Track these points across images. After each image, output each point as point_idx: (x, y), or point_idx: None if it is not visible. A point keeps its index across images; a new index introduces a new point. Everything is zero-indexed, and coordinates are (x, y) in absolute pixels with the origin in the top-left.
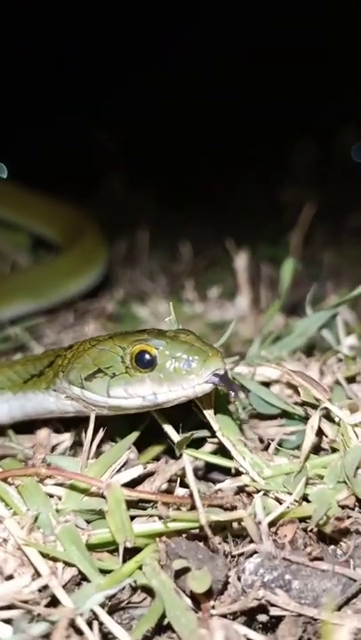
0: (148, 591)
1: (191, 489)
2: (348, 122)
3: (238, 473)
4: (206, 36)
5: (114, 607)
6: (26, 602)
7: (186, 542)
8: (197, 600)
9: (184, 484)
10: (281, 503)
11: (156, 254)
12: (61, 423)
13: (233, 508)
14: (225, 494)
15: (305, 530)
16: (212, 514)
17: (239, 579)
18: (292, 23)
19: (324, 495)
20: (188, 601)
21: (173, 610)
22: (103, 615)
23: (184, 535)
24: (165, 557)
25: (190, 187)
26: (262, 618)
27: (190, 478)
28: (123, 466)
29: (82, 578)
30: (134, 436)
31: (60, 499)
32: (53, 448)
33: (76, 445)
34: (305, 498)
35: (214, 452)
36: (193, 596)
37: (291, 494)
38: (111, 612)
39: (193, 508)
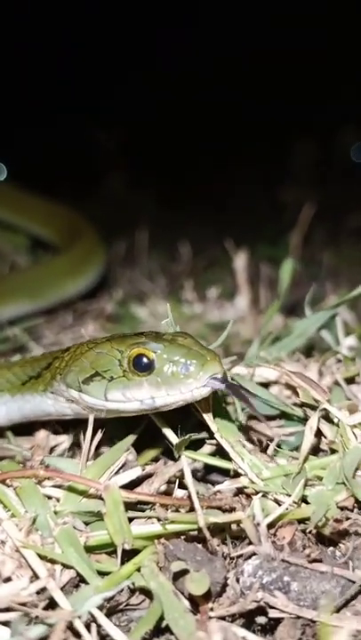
0: (147, 593)
1: (190, 491)
2: (347, 122)
3: (237, 474)
4: (206, 36)
5: (112, 609)
6: (24, 604)
7: (184, 544)
8: (196, 602)
9: (183, 486)
10: (280, 505)
11: (155, 254)
12: (60, 425)
13: (232, 510)
14: (224, 496)
15: (304, 531)
16: (210, 515)
17: (238, 580)
18: (292, 23)
19: (323, 496)
20: (187, 603)
21: (172, 612)
22: (101, 617)
23: (183, 537)
24: (164, 559)
25: (190, 187)
26: (261, 620)
27: (189, 480)
28: (121, 467)
29: (80, 580)
30: (133, 437)
31: (58, 500)
32: (52, 449)
33: (75, 447)
34: (304, 499)
35: (213, 454)
36: (191, 598)
37: (290, 496)
38: (109, 615)
39: (191, 509)
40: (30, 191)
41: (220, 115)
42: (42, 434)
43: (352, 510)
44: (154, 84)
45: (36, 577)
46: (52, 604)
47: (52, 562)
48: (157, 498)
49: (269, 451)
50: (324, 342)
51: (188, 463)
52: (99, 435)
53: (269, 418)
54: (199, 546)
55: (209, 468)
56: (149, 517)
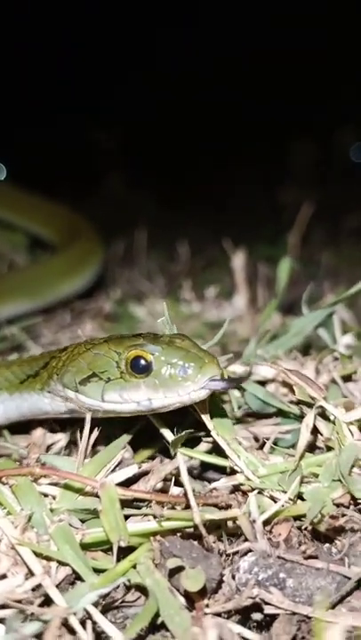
0: (142, 590)
1: (186, 488)
2: (347, 122)
3: (233, 472)
4: (206, 36)
5: (107, 606)
6: (19, 601)
7: (180, 541)
8: (191, 599)
9: (179, 484)
10: (276, 502)
11: (154, 254)
12: (56, 423)
13: (228, 507)
14: (220, 493)
15: (300, 528)
16: (206, 513)
17: (233, 577)
18: (292, 23)
19: (319, 493)
20: (183, 600)
21: (167, 609)
22: (97, 614)
23: (178, 534)
24: (160, 556)
25: (190, 187)
26: (257, 616)
27: (185, 477)
28: (117, 465)
29: (76, 577)
30: (129, 435)
31: (54, 498)
32: (48, 448)
33: (71, 445)
34: (300, 496)
35: (209, 452)
36: (187, 595)
37: (285, 493)
38: (105, 612)
39: (187, 506)
40: (29, 191)
41: (220, 115)
42: (38, 432)
43: (348, 507)
44: (154, 84)
45: (31, 574)
46: (47, 602)
47: (48, 559)
48: (153, 495)
49: (265, 448)
50: (322, 340)
51: (184, 461)
52: (95, 433)
53: (266, 415)
54: (195, 543)
55: (205, 466)
56: (145, 515)
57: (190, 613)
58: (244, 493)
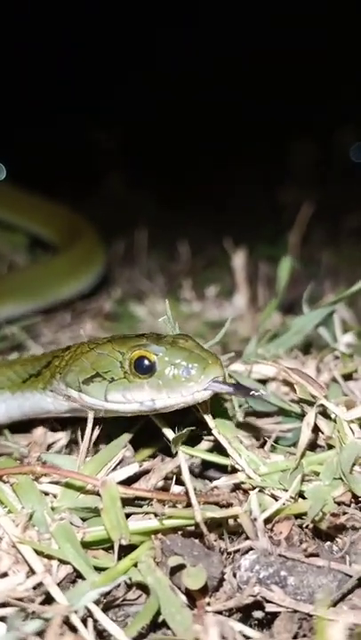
0: (144, 588)
1: (187, 486)
2: (347, 122)
3: (234, 470)
4: (206, 36)
5: (109, 604)
6: (20, 599)
7: (181, 539)
8: (193, 597)
9: (180, 482)
10: (277, 500)
11: (154, 254)
12: (57, 422)
13: (229, 505)
14: (221, 491)
15: (301, 526)
16: (207, 511)
17: (235, 575)
18: (292, 23)
19: (320, 492)
20: (184, 598)
21: (168, 607)
22: (98, 612)
23: (180, 532)
24: (161, 554)
25: (190, 187)
26: (258, 614)
27: (186, 476)
28: (118, 464)
29: (77, 575)
30: (130, 434)
31: (55, 497)
32: (49, 446)
33: (72, 444)
34: (301, 494)
35: (210, 450)
36: (188, 593)
37: (287, 491)
38: (106, 610)
39: (189, 505)
40: (30, 191)
41: (220, 115)
42: (39, 431)
43: (349, 505)
44: (154, 84)
45: (32, 572)
46: (48, 600)
47: (49, 557)
48: (155, 494)
49: (266, 447)
50: (322, 339)
51: (185, 459)
52: (96, 431)
53: (267, 414)
54: (196, 541)
55: (206, 465)
56: (146, 513)
57: (191, 611)
58: (246, 492)
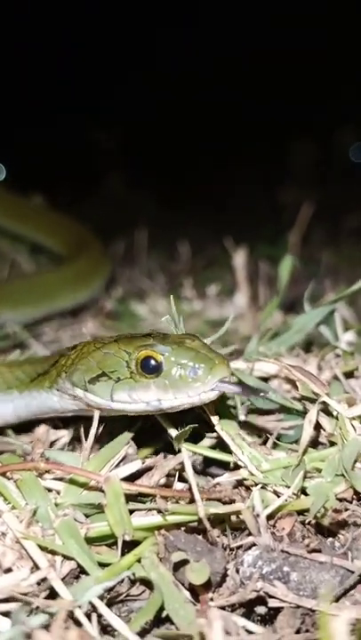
0: (147, 584)
1: (190, 482)
2: (347, 122)
3: (237, 467)
4: (206, 35)
5: (112, 600)
6: (25, 594)
7: (185, 535)
8: (196, 592)
9: (183, 479)
10: (279, 496)
11: (155, 254)
12: (60, 420)
13: (231, 502)
14: (223, 488)
15: (303, 522)
16: (210, 507)
17: (238, 571)
18: (292, 23)
19: (322, 488)
20: (187, 593)
21: (172, 602)
22: (102, 607)
23: (183, 528)
24: (164, 550)
25: (190, 187)
26: (261, 609)
27: (189, 472)
28: (121, 460)
29: (80, 571)
30: (133, 431)
31: (58, 493)
32: (52, 444)
33: (75, 441)
34: (303, 491)
35: (213, 447)
36: (192, 589)
37: (289, 487)
38: (110, 605)
39: (192, 501)
40: (31, 199)
41: (220, 115)
42: (42, 428)
43: (351, 502)
44: (154, 84)
45: (36, 568)
46: (52, 595)
47: (53, 553)
48: (158, 490)
49: (269, 443)
50: (323, 338)
51: (188, 456)
52: (99, 429)
53: (269, 411)
54: (199, 537)
55: (209, 461)
56: (150, 509)
57: (195, 607)
58: (248, 488)
